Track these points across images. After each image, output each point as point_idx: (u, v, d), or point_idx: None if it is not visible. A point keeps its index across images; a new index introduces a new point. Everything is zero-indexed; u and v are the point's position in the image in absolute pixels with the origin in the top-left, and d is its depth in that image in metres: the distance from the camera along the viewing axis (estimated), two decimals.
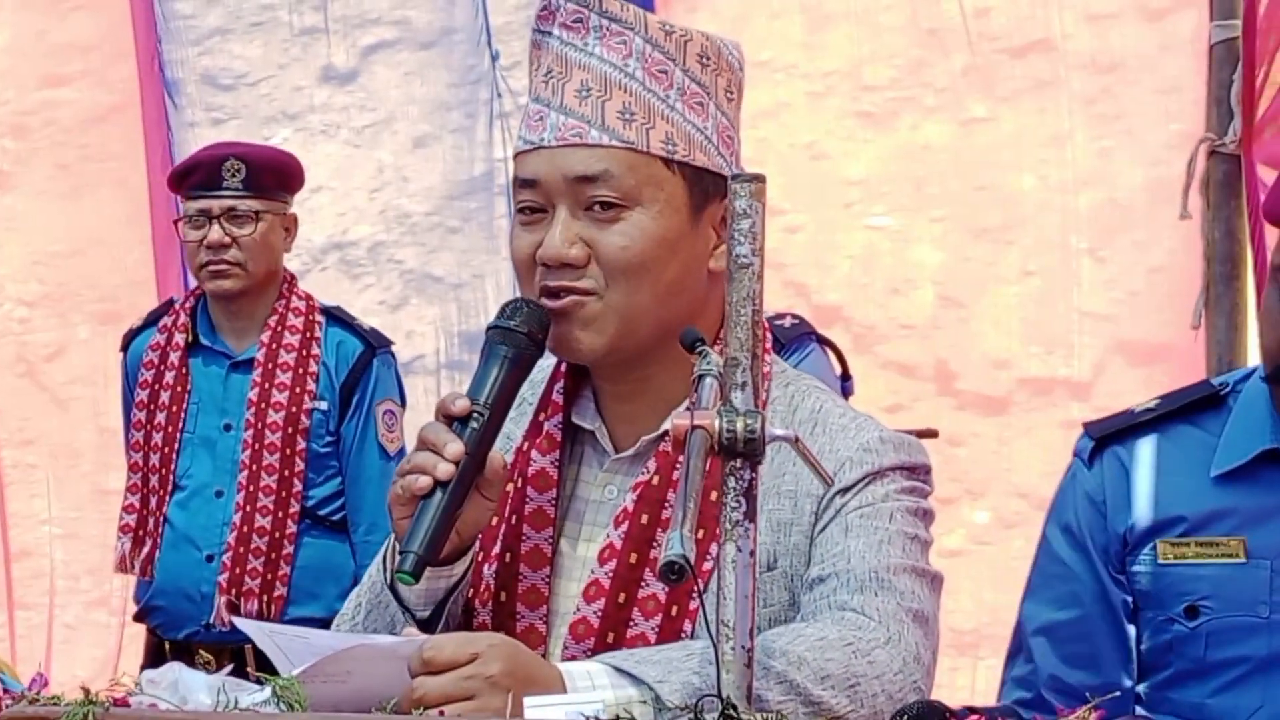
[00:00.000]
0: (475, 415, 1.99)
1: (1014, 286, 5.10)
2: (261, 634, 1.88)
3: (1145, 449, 2.45)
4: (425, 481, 1.96)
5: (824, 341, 3.83)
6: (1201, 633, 2.37)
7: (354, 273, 5.63)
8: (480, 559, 2.12)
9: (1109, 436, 2.46)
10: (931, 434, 3.94)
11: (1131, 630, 2.43)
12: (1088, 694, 2.23)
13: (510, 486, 2.13)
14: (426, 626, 2.03)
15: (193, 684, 1.81)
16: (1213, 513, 2.38)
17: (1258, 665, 2.35)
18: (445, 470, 1.96)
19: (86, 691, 1.72)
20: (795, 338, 3.71)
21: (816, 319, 5.07)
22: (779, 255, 5.20)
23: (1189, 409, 2.46)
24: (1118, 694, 1.88)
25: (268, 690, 1.76)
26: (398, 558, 1.96)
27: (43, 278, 5.91)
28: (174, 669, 1.83)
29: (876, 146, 5.24)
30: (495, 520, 2.12)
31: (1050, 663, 2.43)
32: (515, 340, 2.03)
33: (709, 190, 2.09)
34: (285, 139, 5.67)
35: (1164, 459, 2.43)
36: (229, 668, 1.89)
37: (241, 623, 1.92)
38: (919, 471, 2.11)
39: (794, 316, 3.80)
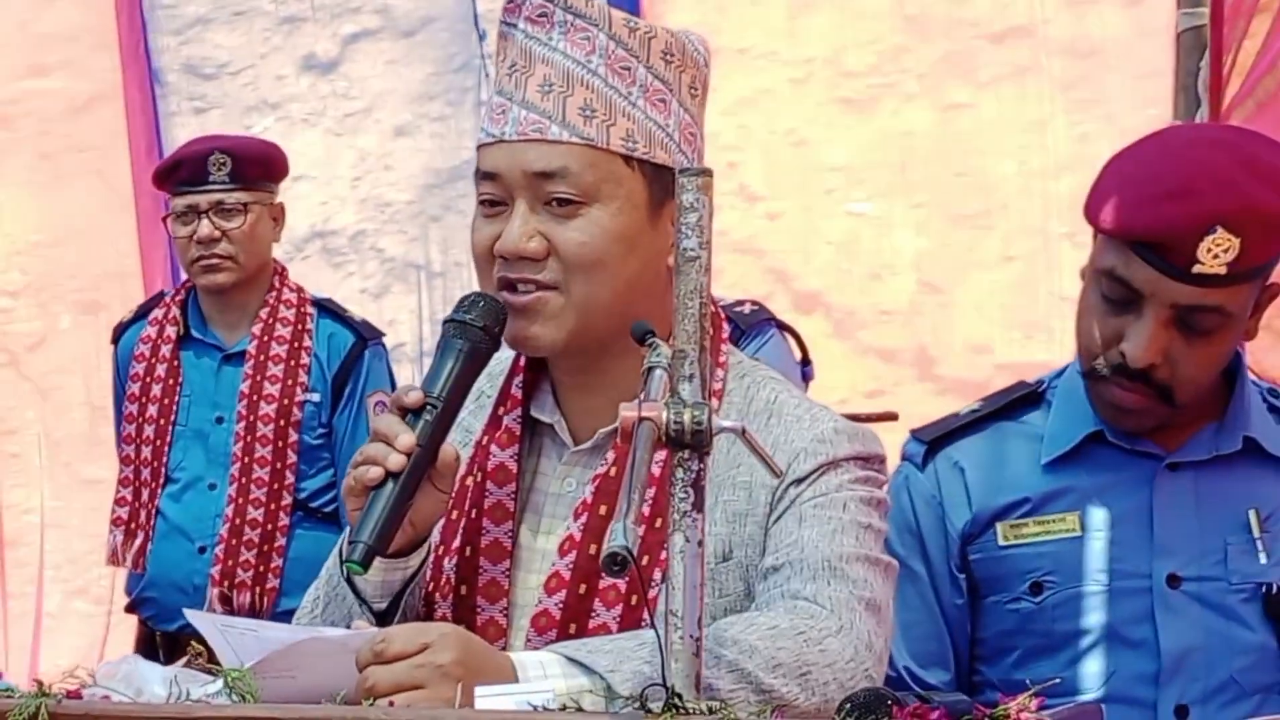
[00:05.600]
0: (428, 407, 2.00)
1: (994, 272, 5.12)
2: (211, 628, 1.88)
3: (975, 446, 2.56)
4: (376, 472, 1.97)
5: (784, 327, 3.81)
6: (1048, 606, 2.47)
7: (335, 261, 5.64)
8: (440, 552, 2.13)
9: (939, 440, 2.57)
10: (891, 417, 3.93)
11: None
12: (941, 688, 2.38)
13: (470, 480, 2.14)
14: (383, 618, 2.04)
15: (148, 676, 1.82)
16: (1048, 494, 2.50)
17: (1103, 634, 2.45)
18: (396, 461, 1.97)
19: (40, 683, 1.73)
20: (755, 324, 3.68)
21: (797, 305, 5.09)
22: (760, 241, 5.22)
23: (1011, 407, 2.58)
24: (1057, 679, 1.92)
25: (220, 682, 1.78)
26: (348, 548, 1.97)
27: (24, 268, 5.92)
28: (129, 661, 1.84)
29: (857, 133, 5.25)
30: (455, 514, 2.13)
31: (904, 658, 2.53)
32: (470, 334, 2.04)
33: (668, 187, 2.07)
34: (267, 128, 5.68)
35: (994, 453, 2.54)
36: (186, 659, 1.90)
37: (191, 615, 1.92)
38: (873, 461, 2.11)
39: (753, 303, 3.78)
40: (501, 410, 2.18)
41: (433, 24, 5.66)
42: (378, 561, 2.01)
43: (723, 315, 2.27)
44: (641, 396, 1.78)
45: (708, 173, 1.80)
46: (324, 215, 5.70)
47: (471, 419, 2.21)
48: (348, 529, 2.05)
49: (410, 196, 5.67)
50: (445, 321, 2.06)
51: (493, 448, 2.15)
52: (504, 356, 2.20)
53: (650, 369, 1.84)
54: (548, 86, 2.07)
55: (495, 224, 2.09)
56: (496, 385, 2.21)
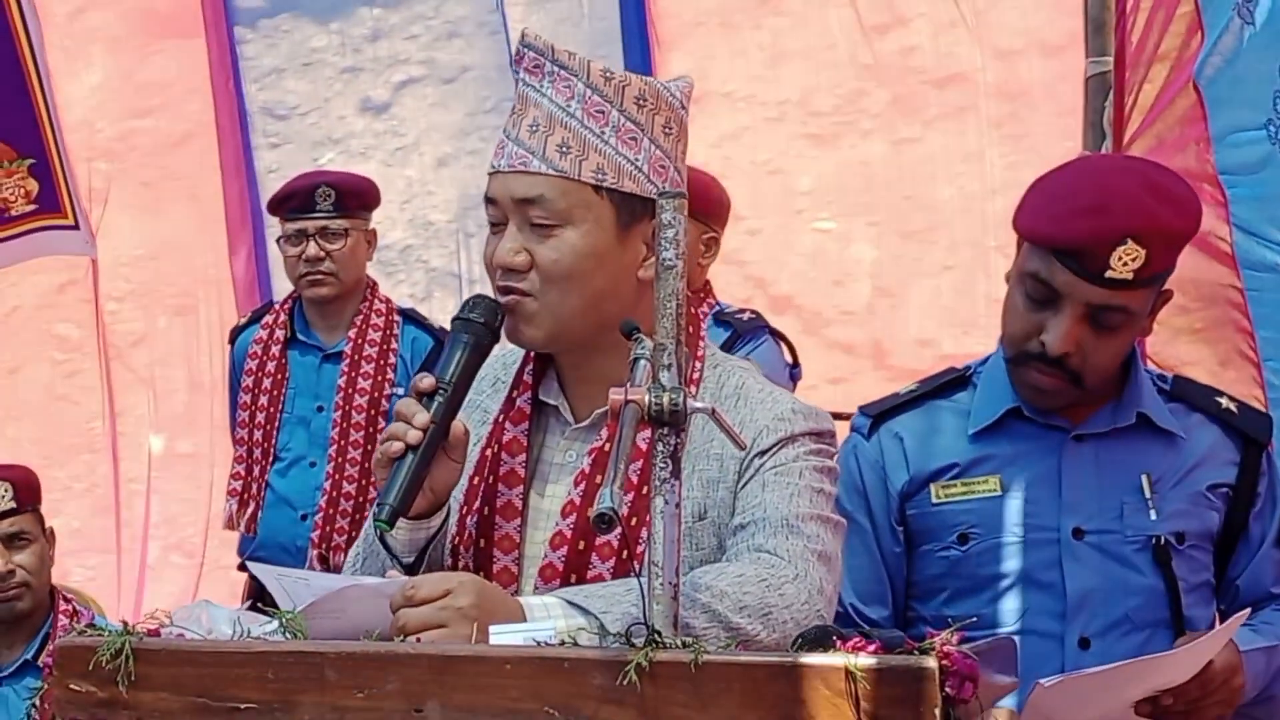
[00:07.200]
0: (440, 391, 2.00)
1: (937, 279, 5.10)
2: (270, 577, 1.88)
3: (912, 420, 2.55)
4: (398, 446, 1.97)
5: (777, 334, 3.77)
6: (972, 554, 2.46)
7: (388, 271, 5.63)
8: (464, 512, 2.12)
9: (883, 414, 2.57)
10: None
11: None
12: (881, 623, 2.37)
13: (489, 452, 2.13)
14: (411, 570, 2.03)
15: (217, 617, 1.82)
16: (973, 460, 2.49)
17: (1018, 577, 2.44)
18: (414, 436, 1.97)
19: (125, 623, 1.73)
20: (751, 330, 3.65)
21: (773, 307, 5.07)
22: (741, 254, 5.20)
23: (943, 388, 2.57)
24: (974, 618, 1.91)
25: (276, 622, 1.77)
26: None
27: (129, 277, 5.91)
28: (201, 605, 1.84)
29: (822, 163, 5.24)
30: (476, 480, 2.13)
31: (850, 596, 2.51)
32: (474, 329, 2.04)
33: (637, 211, 2.06)
34: (331, 159, 5.68)
35: (929, 426, 2.53)
36: (249, 603, 1.90)
37: (253, 567, 1.91)
38: (825, 436, 2.11)
39: (752, 311, 3.74)
40: (515, 394, 2.17)
41: (469, 73, 5.65)
42: (406, 523, 2.01)
43: (700, 316, 2.27)
44: (628, 382, 1.77)
45: (683, 195, 1.79)
46: (379, 232, 5.69)
47: (489, 401, 2.20)
48: None
49: (449, 217, 5.66)
50: (453, 320, 2.07)
51: (507, 424, 2.15)
52: (519, 350, 2.20)
53: (636, 359, 1.83)
54: (535, 126, 2.06)
55: (496, 240, 2.09)
56: (511, 373, 2.21)
